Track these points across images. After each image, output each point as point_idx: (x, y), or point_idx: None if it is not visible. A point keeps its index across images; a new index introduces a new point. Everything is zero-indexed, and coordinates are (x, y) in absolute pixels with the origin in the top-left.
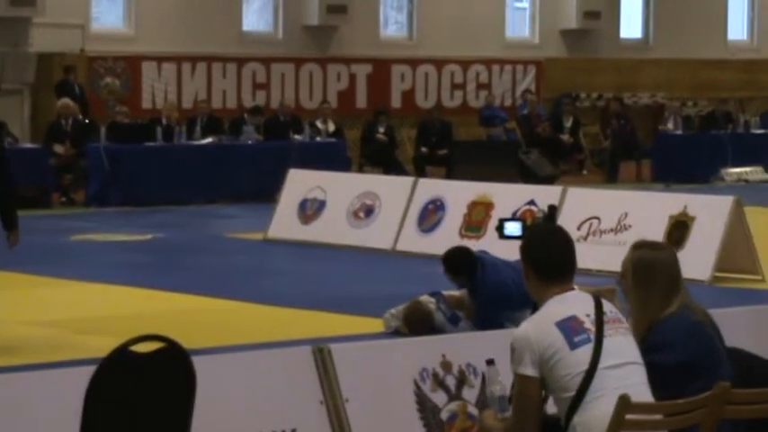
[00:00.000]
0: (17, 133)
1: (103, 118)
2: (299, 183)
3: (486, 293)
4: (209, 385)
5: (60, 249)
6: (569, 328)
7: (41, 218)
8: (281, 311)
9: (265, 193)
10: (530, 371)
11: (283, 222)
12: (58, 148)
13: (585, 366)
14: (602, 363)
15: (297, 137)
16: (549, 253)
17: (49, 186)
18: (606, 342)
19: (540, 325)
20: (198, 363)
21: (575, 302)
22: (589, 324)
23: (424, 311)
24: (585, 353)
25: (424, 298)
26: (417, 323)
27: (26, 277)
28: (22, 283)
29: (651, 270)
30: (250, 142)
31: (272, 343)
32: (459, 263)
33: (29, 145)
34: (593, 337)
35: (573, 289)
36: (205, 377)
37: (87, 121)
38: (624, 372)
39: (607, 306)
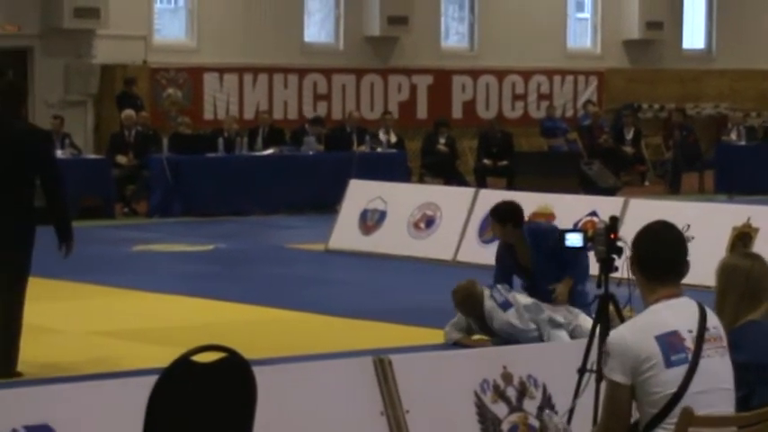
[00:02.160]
0: (80, 144)
1: (166, 129)
2: (360, 193)
3: (534, 238)
4: (270, 395)
5: (123, 260)
6: (669, 344)
7: (104, 228)
8: (341, 322)
9: (326, 203)
10: (621, 378)
11: (344, 233)
12: (121, 159)
13: (675, 389)
14: (693, 387)
15: (359, 148)
16: (657, 250)
17: (112, 197)
18: (702, 364)
19: (640, 334)
20: (259, 373)
21: (680, 314)
22: (690, 342)
23: (476, 291)
24: (679, 374)
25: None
26: (465, 300)
27: (89, 287)
28: (85, 294)
29: (730, 275)
30: (311, 153)
31: (333, 354)
32: (508, 209)
33: (92, 156)
34: (690, 357)
35: (681, 295)
36: (266, 387)
37: (150, 132)
38: (713, 398)
39: (711, 321)
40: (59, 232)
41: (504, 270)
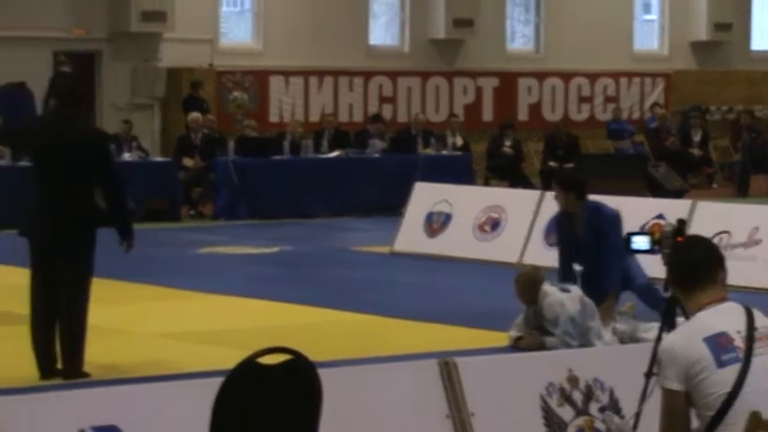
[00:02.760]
0: (147, 147)
1: (232, 132)
2: (426, 196)
3: (592, 215)
4: (335, 398)
5: (189, 262)
6: (718, 344)
7: (170, 231)
8: (406, 324)
9: (391, 206)
10: (675, 385)
11: (409, 235)
12: (188, 162)
13: (729, 388)
14: (748, 386)
15: (424, 150)
16: (682, 258)
17: (178, 199)
18: (755, 362)
19: (688, 338)
20: (324, 375)
21: (727, 316)
22: (739, 341)
23: (539, 278)
24: (732, 373)
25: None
26: (526, 287)
27: (155, 289)
28: (151, 295)
29: None
30: (376, 155)
31: (398, 356)
32: (574, 178)
33: (159, 158)
34: (741, 356)
35: (725, 300)
36: (331, 390)
37: (217, 134)
38: None
39: (759, 321)
40: (119, 230)
41: (561, 239)
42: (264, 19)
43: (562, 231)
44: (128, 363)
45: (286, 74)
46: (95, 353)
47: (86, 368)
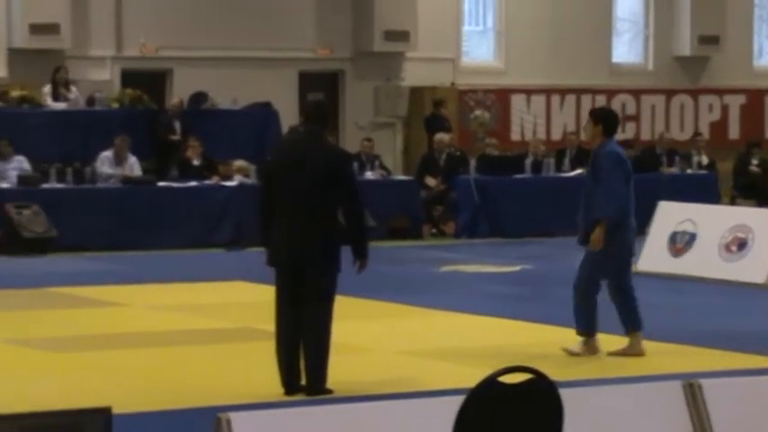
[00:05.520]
0: (389, 165)
1: (473, 150)
2: (669, 215)
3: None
4: (576, 418)
5: (430, 280)
6: None
7: (412, 249)
8: (650, 345)
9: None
10: None
11: (653, 255)
12: (430, 181)
13: None
14: None
15: (668, 169)
16: None
17: (420, 218)
18: None
19: None
20: (565, 395)
21: None
22: None
23: None
24: None
25: None
26: None
27: (396, 307)
28: (392, 313)
29: None
30: None
31: (642, 377)
32: (608, 111)
33: (401, 177)
34: None
35: None
36: (571, 410)
37: (458, 153)
38: None
39: None
40: (355, 249)
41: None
42: (506, 37)
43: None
44: (369, 380)
45: (528, 92)
46: (337, 370)
47: (329, 385)
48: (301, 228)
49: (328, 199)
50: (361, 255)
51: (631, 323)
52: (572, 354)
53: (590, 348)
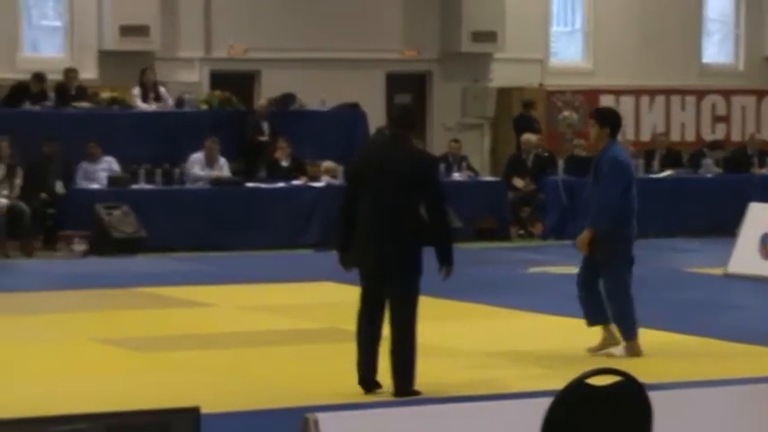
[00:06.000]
0: (477, 166)
1: (561, 151)
2: (760, 217)
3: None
4: (666, 420)
5: (518, 281)
6: None
7: (499, 250)
8: (741, 348)
9: (724, 227)
10: None
11: (744, 257)
12: (518, 182)
13: None
14: None
15: (760, 170)
16: None
17: (508, 219)
18: None
19: None
20: (654, 397)
21: None
22: None
23: None
24: None
25: None
26: None
27: (483, 308)
28: (479, 314)
29: None
30: (709, 176)
31: (732, 379)
32: (612, 112)
33: (488, 178)
34: None
35: None
36: (661, 412)
37: (546, 154)
38: None
39: None
40: (440, 255)
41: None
42: (594, 37)
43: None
44: (456, 382)
45: (616, 93)
46: (425, 371)
47: (417, 386)
48: (385, 230)
49: (412, 202)
50: (446, 261)
51: (598, 316)
52: (609, 355)
53: (610, 339)
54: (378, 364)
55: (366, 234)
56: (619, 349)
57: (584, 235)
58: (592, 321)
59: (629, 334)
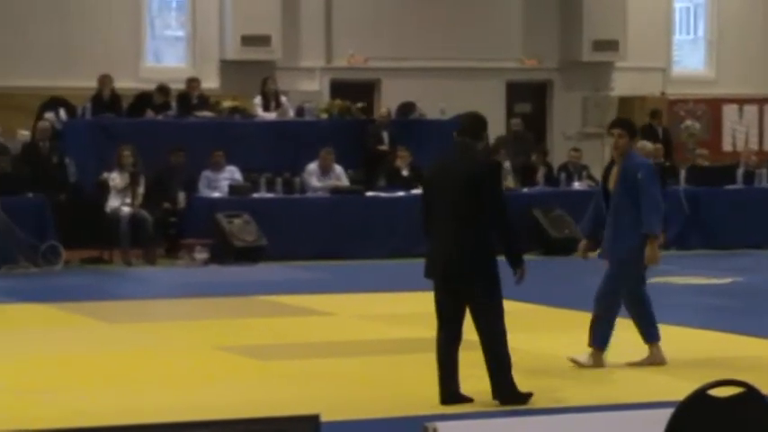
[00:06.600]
0: (597, 176)
1: (683, 161)
2: None
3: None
4: None
5: None
6: None
7: None
8: None
9: None
10: None
11: None
12: None
13: None
14: None
15: None
16: None
17: None
18: None
19: None
20: None
21: None
22: None
23: None
24: None
25: None
26: None
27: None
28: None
29: None
30: None
31: None
32: (629, 121)
33: None
34: None
35: None
36: None
37: (667, 164)
38: None
39: None
40: (509, 260)
41: (601, 186)
42: (718, 46)
43: (603, 179)
44: (575, 392)
45: (739, 102)
46: (541, 381)
47: (525, 390)
48: (452, 239)
49: (477, 209)
50: (516, 264)
51: (651, 334)
52: (579, 365)
53: (596, 361)
54: (458, 379)
55: (435, 243)
56: (585, 356)
57: (651, 247)
58: (600, 346)
59: (597, 341)
